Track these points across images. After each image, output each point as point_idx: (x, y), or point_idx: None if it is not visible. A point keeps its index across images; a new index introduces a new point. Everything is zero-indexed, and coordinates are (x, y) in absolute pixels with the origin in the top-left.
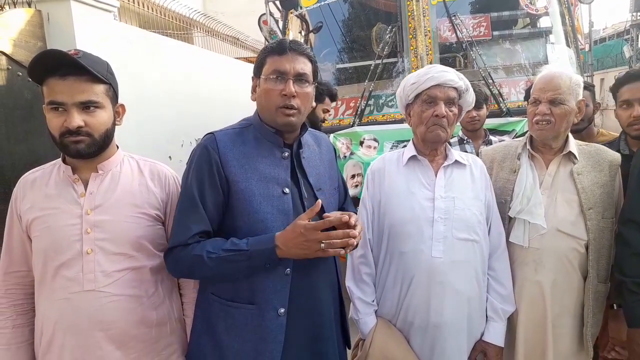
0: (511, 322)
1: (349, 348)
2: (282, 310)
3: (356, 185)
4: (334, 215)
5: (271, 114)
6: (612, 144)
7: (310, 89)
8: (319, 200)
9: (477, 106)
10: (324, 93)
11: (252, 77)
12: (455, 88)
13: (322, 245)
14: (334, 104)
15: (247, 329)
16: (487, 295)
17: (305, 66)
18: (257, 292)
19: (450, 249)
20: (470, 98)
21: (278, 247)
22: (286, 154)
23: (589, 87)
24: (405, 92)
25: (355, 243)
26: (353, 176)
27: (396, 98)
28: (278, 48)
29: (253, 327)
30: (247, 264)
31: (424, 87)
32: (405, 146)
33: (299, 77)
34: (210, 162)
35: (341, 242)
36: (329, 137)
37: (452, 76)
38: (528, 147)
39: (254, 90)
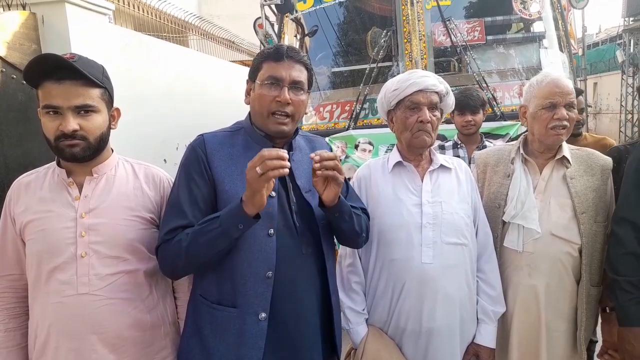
0: (505, 326)
1: (338, 358)
2: (264, 315)
3: None
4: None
5: (264, 119)
6: (634, 146)
7: (304, 97)
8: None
9: (474, 111)
10: None
11: (247, 81)
12: (436, 92)
13: (258, 169)
14: None
15: (229, 332)
16: (477, 298)
17: (301, 74)
18: (239, 295)
19: (440, 254)
20: (451, 101)
21: (243, 200)
22: None
23: (582, 92)
24: (386, 99)
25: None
26: (348, 179)
27: (377, 105)
28: (275, 54)
29: (235, 331)
30: (219, 230)
31: (406, 93)
32: None
33: (295, 85)
34: (198, 160)
35: (274, 162)
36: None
37: (433, 81)
38: (522, 151)
39: (248, 93)
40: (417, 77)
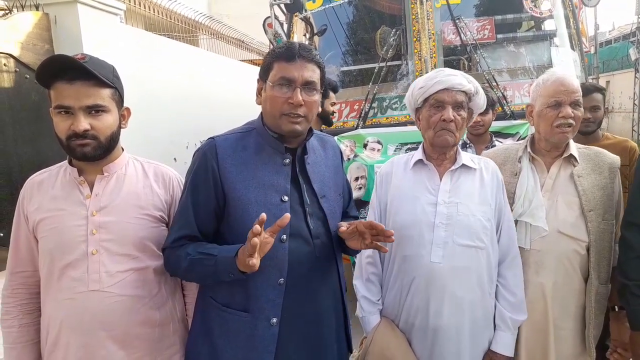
0: None
1: (351, 352)
2: (275, 320)
3: (360, 188)
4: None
5: (276, 120)
6: None
7: (317, 97)
8: (287, 214)
9: (483, 111)
10: (327, 88)
11: (258, 80)
12: (464, 92)
13: (246, 251)
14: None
15: (240, 336)
16: (496, 303)
17: (313, 74)
18: (251, 300)
19: (451, 255)
20: (481, 101)
21: (238, 256)
22: (287, 160)
23: (602, 90)
24: (413, 97)
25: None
26: (357, 178)
27: (405, 102)
28: (287, 54)
29: (246, 336)
30: (213, 269)
31: (432, 91)
32: (409, 149)
33: (307, 85)
34: (207, 169)
35: (253, 243)
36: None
37: (460, 80)
38: (529, 150)
39: (259, 93)
40: (443, 76)
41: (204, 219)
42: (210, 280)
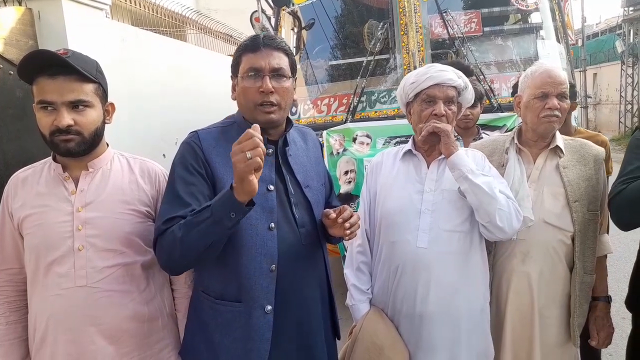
0: (499, 312)
1: (338, 338)
2: (269, 307)
3: (349, 182)
4: None
5: (251, 112)
6: None
7: (288, 83)
8: (256, 125)
9: (471, 104)
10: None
11: (231, 77)
12: (454, 87)
13: (248, 154)
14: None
15: (235, 327)
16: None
17: (280, 60)
18: (244, 290)
19: (436, 240)
20: (470, 95)
21: (233, 187)
22: (270, 151)
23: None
24: (405, 91)
25: None
26: (346, 172)
27: (396, 96)
28: (251, 45)
29: (241, 325)
30: (211, 220)
31: (423, 86)
32: (398, 142)
33: (276, 72)
34: (195, 156)
35: (252, 144)
36: (321, 133)
37: (450, 75)
38: (516, 141)
39: (233, 89)
40: (435, 71)
41: (199, 199)
42: (213, 235)
